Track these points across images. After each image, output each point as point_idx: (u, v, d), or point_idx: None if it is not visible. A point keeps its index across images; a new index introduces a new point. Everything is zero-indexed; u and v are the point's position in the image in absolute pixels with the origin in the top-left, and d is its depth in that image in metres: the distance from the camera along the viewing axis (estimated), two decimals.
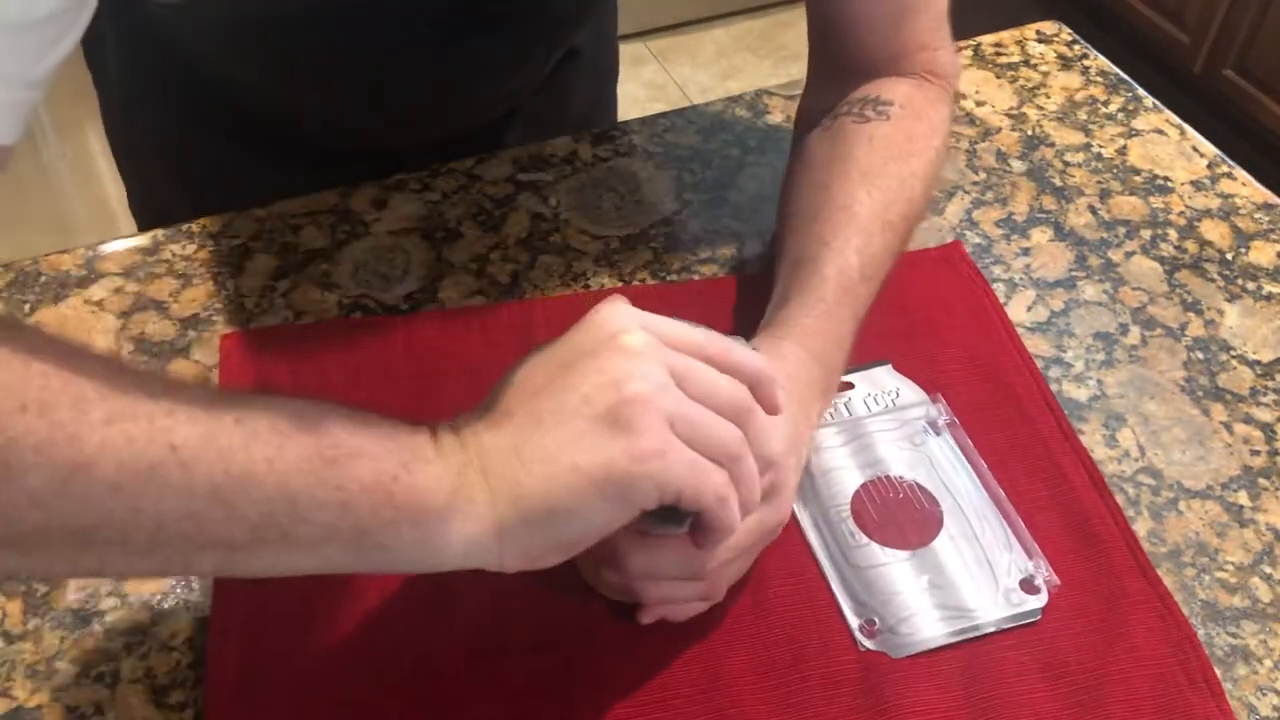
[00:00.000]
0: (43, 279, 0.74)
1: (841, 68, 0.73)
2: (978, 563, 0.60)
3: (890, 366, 0.69)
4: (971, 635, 0.58)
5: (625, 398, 0.44)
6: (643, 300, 0.49)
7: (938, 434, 0.66)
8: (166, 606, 0.58)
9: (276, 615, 0.57)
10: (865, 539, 0.61)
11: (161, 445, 0.40)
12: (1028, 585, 0.60)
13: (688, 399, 0.46)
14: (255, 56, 0.76)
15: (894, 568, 0.60)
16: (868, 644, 0.57)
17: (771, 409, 0.50)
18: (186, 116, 0.85)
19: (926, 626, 0.58)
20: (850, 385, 0.68)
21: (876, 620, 0.58)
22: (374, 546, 0.43)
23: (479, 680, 0.55)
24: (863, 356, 0.70)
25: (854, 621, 0.58)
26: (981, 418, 0.67)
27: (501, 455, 0.44)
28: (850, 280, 0.63)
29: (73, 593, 0.59)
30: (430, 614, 0.58)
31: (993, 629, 0.58)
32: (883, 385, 0.68)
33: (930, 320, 0.72)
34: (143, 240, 0.77)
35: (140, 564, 0.43)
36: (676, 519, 0.49)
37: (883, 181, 0.67)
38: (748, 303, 0.72)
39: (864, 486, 0.64)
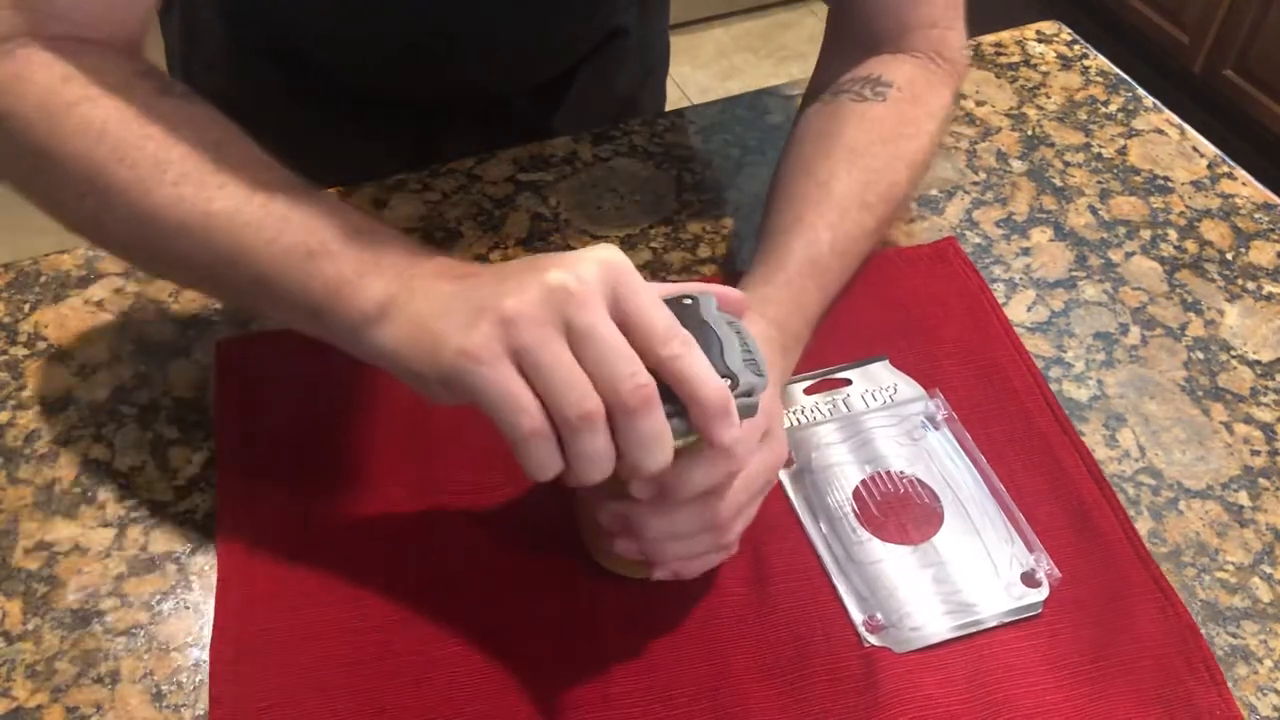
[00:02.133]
0: (43, 279, 0.74)
1: (852, 38, 0.73)
2: (979, 557, 0.60)
3: (887, 362, 0.69)
4: (974, 629, 0.58)
5: (496, 306, 0.45)
6: None
7: (936, 429, 0.66)
8: (166, 606, 0.58)
9: (274, 626, 0.57)
10: (866, 535, 0.61)
11: (201, 210, 0.52)
12: (1029, 579, 0.60)
13: (560, 350, 0.44)
14: None
15: (896, 563, 0.60)
16: (871, 640, 0.57)
17: (713, 439, 0.47)
18: (245, 61, 0.87)
19: (929, 621, 0.58)
20: (848, 381, 0.68)
21: (879, 616, 0.58)
22: (322, 325, 0.52)
23: (480, 676, 0.55)
24: (859, 352, 0.70)
25: (857, 617, 0.58)
26: (979, 412, 0.67)
27: (422, 299, 0.49)
28: (818, 254, 0.64)
29: (73, 593, 0.59)
30: (430, 612, 0.58)
31: (995, 623, 0.58)
32: (880, 381, 0.68)
33: (926, 316, 0.72)
34: None
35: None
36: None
37: (866, 161, 0.67)
38: None
39: (864, 482, 0.64)
